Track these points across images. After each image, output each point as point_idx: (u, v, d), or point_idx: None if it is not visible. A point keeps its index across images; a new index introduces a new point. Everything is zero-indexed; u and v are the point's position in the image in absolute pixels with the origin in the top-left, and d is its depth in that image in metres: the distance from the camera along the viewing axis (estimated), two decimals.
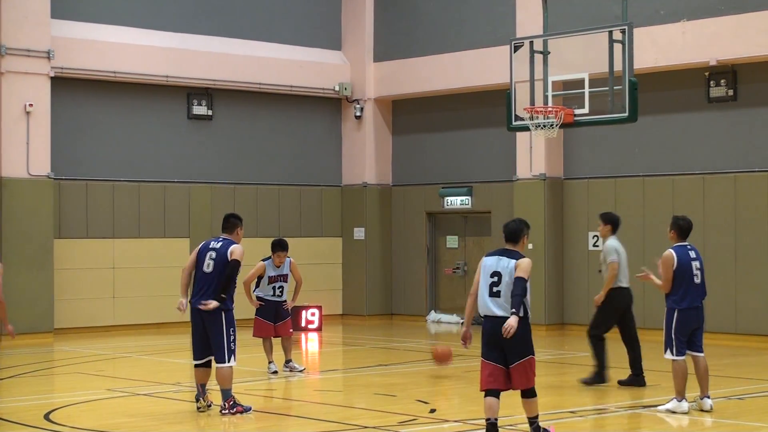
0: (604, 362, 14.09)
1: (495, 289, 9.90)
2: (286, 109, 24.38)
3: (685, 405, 11.81)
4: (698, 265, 12.06)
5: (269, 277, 15.54)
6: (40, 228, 20.40)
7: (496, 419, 9.94)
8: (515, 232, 10.13)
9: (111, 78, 21.88)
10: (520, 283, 9.77)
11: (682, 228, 12.20)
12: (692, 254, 12.07)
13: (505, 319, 9.74)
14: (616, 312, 14.27)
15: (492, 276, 9.93)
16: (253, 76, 23.60)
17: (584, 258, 21.46)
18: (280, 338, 15.69)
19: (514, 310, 9.72)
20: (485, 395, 9.98)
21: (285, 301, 15.71)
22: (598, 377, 14.07)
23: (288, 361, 15.66)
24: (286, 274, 15.64)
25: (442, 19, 23.65)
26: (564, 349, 19.26)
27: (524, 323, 9.80)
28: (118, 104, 22.23)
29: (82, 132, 21.82)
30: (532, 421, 10.14)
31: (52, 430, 11.28)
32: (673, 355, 11.85)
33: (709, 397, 12.00)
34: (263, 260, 15.64)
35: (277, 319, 15.57)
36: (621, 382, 14.00)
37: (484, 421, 9.98)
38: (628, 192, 20.92)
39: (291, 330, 15.87)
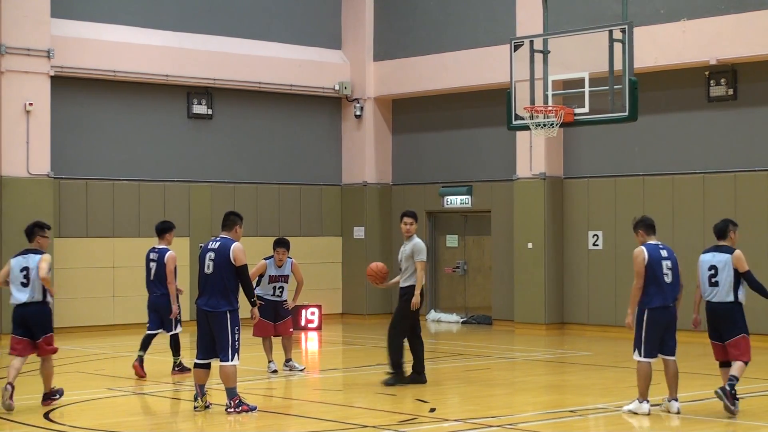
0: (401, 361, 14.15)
1: (713, 279, 11.98)
2: (286, 108, 24.37)
3: (645, 407, 11.72)
4: (669, 265, 11.86)
5: (270, 276, 15.54)
6: None
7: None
8: (722, 230, 12.20)
9: (111, 77, 21.87)
10: (751, 276, 12.00)
11: (648, 225, 12.09)
12: (664, 253, 11.90)
13: (719, 304, 11.92)
14: None
15: (710, 269, 12.01)
16: (253, 76, 23.58)
17: (584, 257, 21.44)
18: (280, 337, 15.70)
19: None
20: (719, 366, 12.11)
21: (285, 301, 15.71)
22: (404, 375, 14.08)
23: (288, 360, 15.66)
24: (287, 275, 15.63)
25: (442, 19, 23.64)
26: (564, 348, 19.25)
27: (737, 307, 11.92)
28: (118, 103, 22.22)
29: (81, 131, 21.81)
30: (732, 377, 11.77)
31: (52, 429, 11.27)
32: (640, 356, 11.73)
33: (677, 400, 11.86)
34: (265, 259, 15.64)
35: (277, 318, 15.57)
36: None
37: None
38: (628, 191, 20.90)
39: (291, 329, 15.87)
